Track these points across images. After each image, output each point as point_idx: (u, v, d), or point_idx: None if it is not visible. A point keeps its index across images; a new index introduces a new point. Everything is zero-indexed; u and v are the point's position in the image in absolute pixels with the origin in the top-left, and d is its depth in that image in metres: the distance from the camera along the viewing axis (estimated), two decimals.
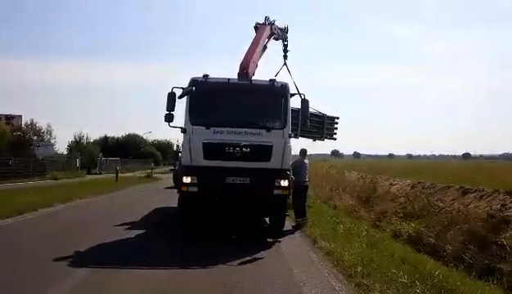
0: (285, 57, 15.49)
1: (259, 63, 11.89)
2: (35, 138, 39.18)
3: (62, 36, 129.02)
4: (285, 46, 15.43)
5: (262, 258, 7.80)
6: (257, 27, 13.00)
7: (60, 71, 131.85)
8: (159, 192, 21.79)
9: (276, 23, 14.27)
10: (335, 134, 17.06)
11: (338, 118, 17.10)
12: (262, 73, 9.77)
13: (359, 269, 6.67)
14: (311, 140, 16.54)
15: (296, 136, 14.57)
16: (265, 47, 13.15)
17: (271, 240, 9.43)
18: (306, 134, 15.88)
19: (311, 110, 15.48)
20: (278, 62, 15.65)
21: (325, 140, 16.80)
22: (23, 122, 39.76)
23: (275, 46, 15.16)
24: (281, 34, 14.97)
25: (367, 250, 8.12)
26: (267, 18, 13.39)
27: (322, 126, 16.19)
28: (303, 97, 9.88)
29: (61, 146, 51.00)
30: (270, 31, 13.35)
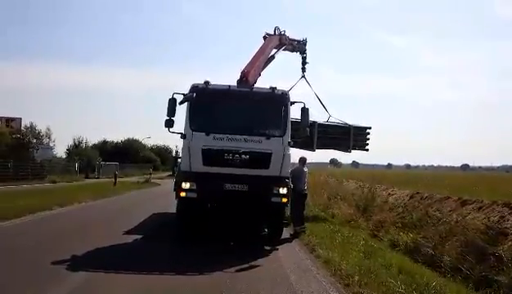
0: (303, 70, 15.34)
1: (271, 72, 12.07)
2: (34, 141, 39.14)
3: (62, 40, 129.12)
4: (304, 58, 15.29)
5: (259, 265, 7.79)
6: (266, 37, 13.04)
7: (61, 75, 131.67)
8: (157, 197, 21.77)
9: (292, 35, 14.26)
10: (367, 144, 15.82)
11: (370, 128, 15.78)
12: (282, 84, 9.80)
13: (356, 278, 6.67)
14: (342, 152, 16.10)
15: (312, 149, 14.57)
16: (272, 57, 13.16)
17: (268, 248, 9.42)
18: (327, 147, 15.73)
19: (335, 122, 15.40)
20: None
21: (354, 151, 15.72)
22: (22, 125, 39.69)
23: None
24: (298, 46, 14.90)
25: (365, 259, 8.13)
26: (276, 28, 13.41)
27: (348, 138, 15.22)
28: (302, 105, 9.90)
29: (60, 150, 50.96)
30: (278, 41, 13.37)
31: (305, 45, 15.27)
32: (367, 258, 8.28)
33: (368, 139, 15.83)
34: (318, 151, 15.95)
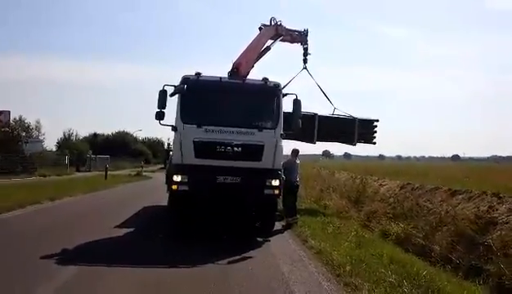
0: (305, 61, 14.94)
1: (273, 65, 11.75)
2: (24, 134, 38.72)
3: (54, 33, 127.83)
4: (305, 49, 14.90)
5: (252, 257, 7.81)
6: (261, 28, 12.86)
7: (51, 68, 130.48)
8: (148, 190, 21.70)
9: (289, 26, 13.98)
10: (374, 137, 15.45)
11: (377, 121, 15.37)
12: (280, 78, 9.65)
13: (348, 268, 6.72)
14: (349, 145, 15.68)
15: (312, 141, 14.49)
16: (268, 49, 12.93)
17: (261, 239, 9.44)
18: (330, 139, 15.55)
19: (340, 114, 15.16)
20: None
21: (360, 143, 15.35)
22: (11, 118, 39.20)
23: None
24: (299, 37, 14.57)
25: (356, 249, 8.19)
26: (272, 19, 13.20)
27: (353, 130, 14.84)
28: (294, 97, 9.85)
29: (50, 143, 50.58)
30: (274, 32, 13.15)
31: (306, 36, 14.81)
32: (358, 248, 8.33)
33: (375, 132, 15.45)
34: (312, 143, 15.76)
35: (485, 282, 6.78)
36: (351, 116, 15.10)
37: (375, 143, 15.59)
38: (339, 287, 6.10)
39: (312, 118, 14.08)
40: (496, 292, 6.43)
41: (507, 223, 8.11)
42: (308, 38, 14.92)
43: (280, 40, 13.74)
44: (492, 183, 12.50)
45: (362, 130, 15.10)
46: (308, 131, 13.87)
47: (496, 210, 8.82)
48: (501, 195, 9.40)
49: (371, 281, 6.14)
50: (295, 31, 14.48)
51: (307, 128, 13.72)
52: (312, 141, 14.49)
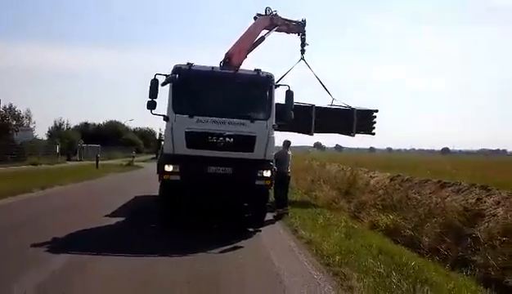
0: (302, 52, 14.69)
1: (274, 58, 11.58)
2: (14, 123, 38.38)
3: (44, 20, 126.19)
4: (303, 40, 14.63)
5: (242, 247, 7.84)
6: (256, 18, 12.76)
7: (42, 56, 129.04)
8: (139, 180, 21.64)
9: (286, 16, 13.85)
10: (373, 128, 15.37)
11: (376, 111, 15.30)
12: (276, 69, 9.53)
13: (337, 258, 6.80)
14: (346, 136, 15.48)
15: (310, 133, 14.45)
16: (262, 39, 12.81)
17: (252, 230, 9.48)
18: (328, 131, 15.43)
19: (339, 105, 14.97)
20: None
21: (359, 134, 15.19)
22: (1, 107, 38.78)
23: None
24: (296, 27, 14.35)
25: (346, 240, 8.28)
26: (267, 9, 13.07)
27: (351, 121, 14.70)
28: (287, 88, 9.85)
29: (41, 132, 50.23)
30: (269, 22, 13.01)
31: (304, 26, 14.51)
32: (348, 239, 8.43)
33: (374, 122, 15.38)
34: (302, 134, 15.69)
35: (472, 273, 6.89)
36: (349, 106, 14.97)
37: (374, 134, 15.50)
38: (329, 277, 6.16)
39: (309, 109, 14.05)
40: (483, 283, 6.54)
41: (494, 215, 8.24)
42: (306, 29, 14.74)
43: (276, 30, 13.57)
44: (481, 178, 12.61)
45: (361, 120, 15.02)
46: (306, 123, 13.87)
47: (484, 202, 8.95)
48: (489, 188, 9.53)
49: (360, 271, 6.22)
50: (292, 21, 14.27)
51: (305, 120, 13.73)
52: (309, 133, 14.48)
